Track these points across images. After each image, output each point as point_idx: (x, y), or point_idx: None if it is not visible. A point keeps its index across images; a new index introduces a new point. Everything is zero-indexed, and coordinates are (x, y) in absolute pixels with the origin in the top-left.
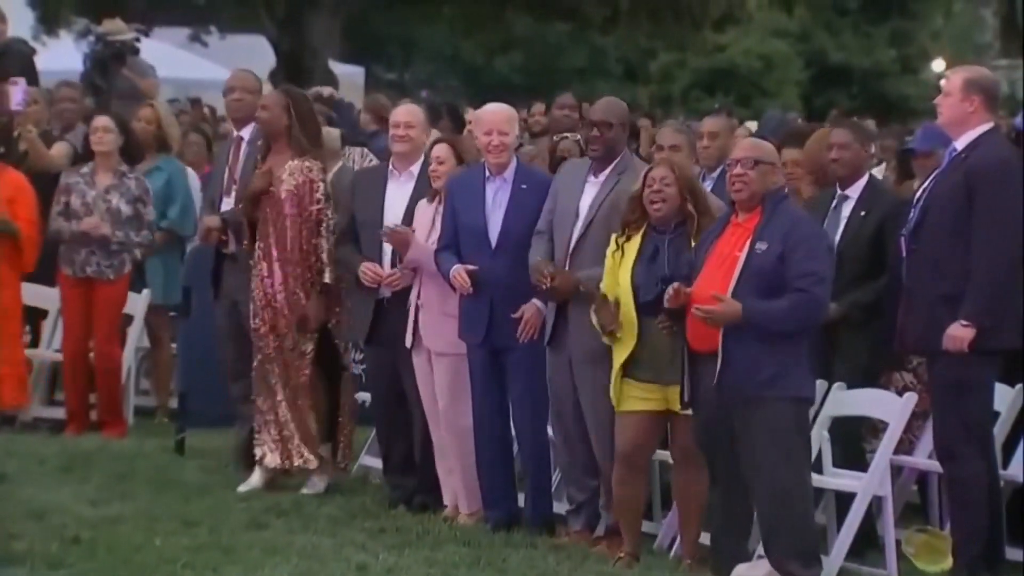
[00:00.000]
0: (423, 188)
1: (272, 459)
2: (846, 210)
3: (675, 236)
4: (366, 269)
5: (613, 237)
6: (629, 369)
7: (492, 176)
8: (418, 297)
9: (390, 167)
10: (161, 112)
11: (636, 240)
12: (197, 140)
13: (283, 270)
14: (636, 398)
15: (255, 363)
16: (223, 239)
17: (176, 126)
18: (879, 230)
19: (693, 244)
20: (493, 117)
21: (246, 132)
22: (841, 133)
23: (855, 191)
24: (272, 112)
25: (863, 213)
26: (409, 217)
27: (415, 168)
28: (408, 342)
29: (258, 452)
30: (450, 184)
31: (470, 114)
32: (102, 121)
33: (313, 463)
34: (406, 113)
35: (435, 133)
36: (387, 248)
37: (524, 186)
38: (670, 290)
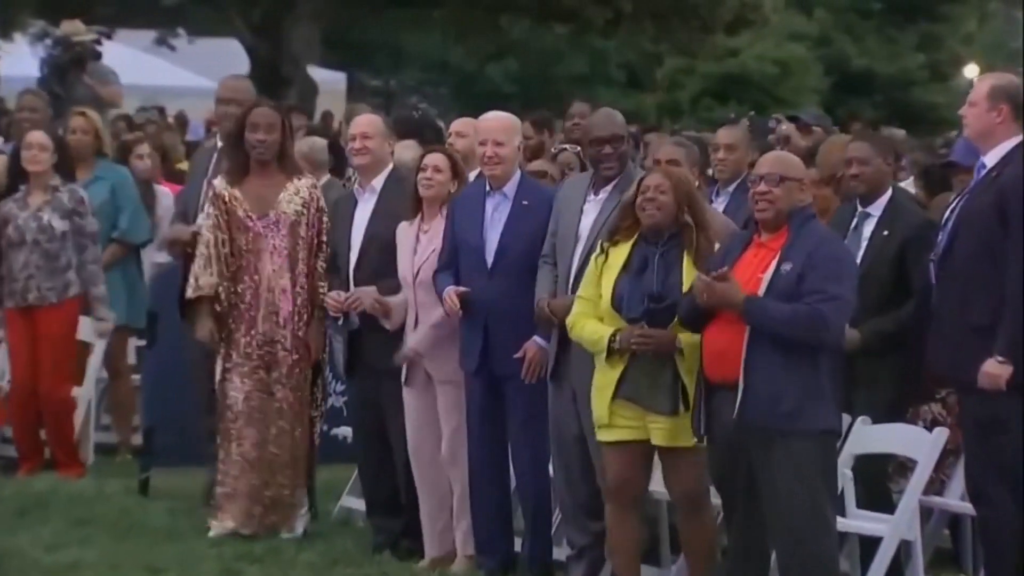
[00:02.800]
0: (386, 204)
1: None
2: (867, 229)
3: (667, 249)
4: (328, 300)
5: (599, 242)
6: (615, 387)
7: (492, 191)
8: (415, 325)
9: (356, 187)
10: (96, 120)
11: (624, 249)
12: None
13: (292, 298)
14: (618, 427)
15: (228, 411)
16: (188, 251)
17: (106, 130)
18: (902, 250)
19: (686, 259)
20: (489, 126)
21: None
22: (860, 147)
23: (877, 208)
24: (275, 135)
25: (886, 232)
26: (369, 239)
27: (377, 182)
28: (405, 376)
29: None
30: (454, 200)
31: (455, 124)
32: (37, 138)
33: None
34: (364, 123)
35: (413, 146)
36: (352, 272)
37: (526, 202)
38: (700, 282)
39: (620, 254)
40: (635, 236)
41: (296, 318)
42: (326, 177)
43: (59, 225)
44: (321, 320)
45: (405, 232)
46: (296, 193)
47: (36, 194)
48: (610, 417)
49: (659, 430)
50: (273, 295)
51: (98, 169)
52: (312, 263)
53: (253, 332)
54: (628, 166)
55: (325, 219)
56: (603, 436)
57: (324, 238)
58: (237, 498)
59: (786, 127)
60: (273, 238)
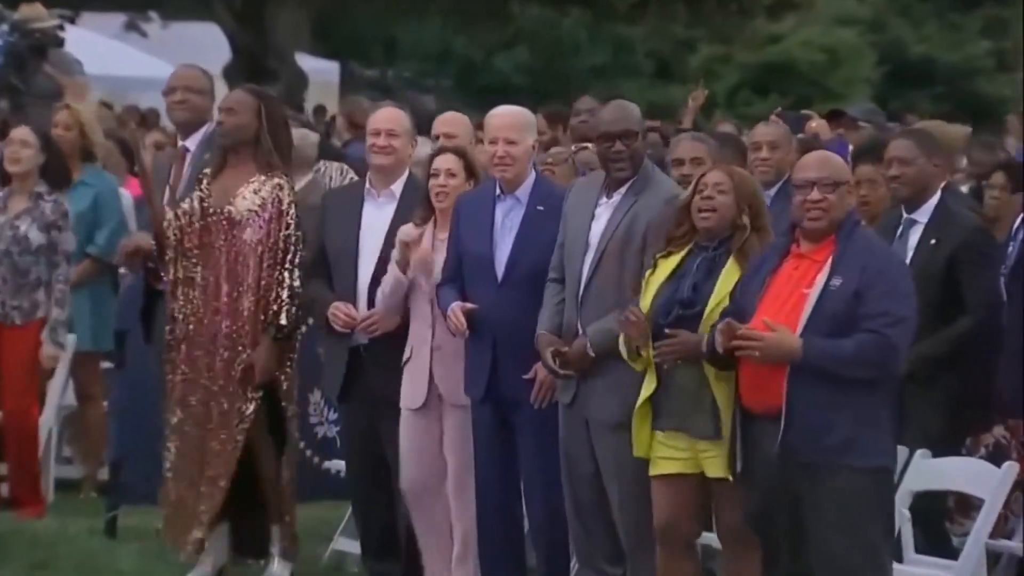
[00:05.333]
0: (406, 211)
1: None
2: (914, 238)
3: (717, 254)
4: (336, 310)
5: (654, 255)
6: (654, 418)
7: (503, 195)
8: (432, 338)
9: (367, 186)
10: (82, 114)
11: (676, 259)
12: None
13: (233, 309)
14: (666, 458)
15: (170, 425)
16: (149, 266)
17: (99, 131)
18: (952, 260)
19: (730, 263)
20: (499, 122)
21: (192, 142)
22: (902, 144)
23: (924, 214)
24: (240, 117)
25: (933, 240)
26: (390, 248)
27: (397, 187)
28: (418, 400)
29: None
30: (458, 204)
31: (440, 124)
32: (21, 133)
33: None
34: (388, 119)
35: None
36: (362, 286)
37: (541, 208)
38: (719, 329)
39: (670, 265)
40: (691, 244)
41: (236, 333)
42: (308, 176)
43: (36, 238)
44: (273, 341)
45: (409, 235)
46: (256, 191)
47: (17, 199)
48: (656, 448)
49: (712, 459)
50: (218, 301)
51: (84, 174)
52: (266, 272)
53: (197, 338)
54: (645, 165)
55: (291, 226)
56: (654, 469)
57: (287, 246)
58: (174, 516)
59: (816, 123)
60: (220, 238)
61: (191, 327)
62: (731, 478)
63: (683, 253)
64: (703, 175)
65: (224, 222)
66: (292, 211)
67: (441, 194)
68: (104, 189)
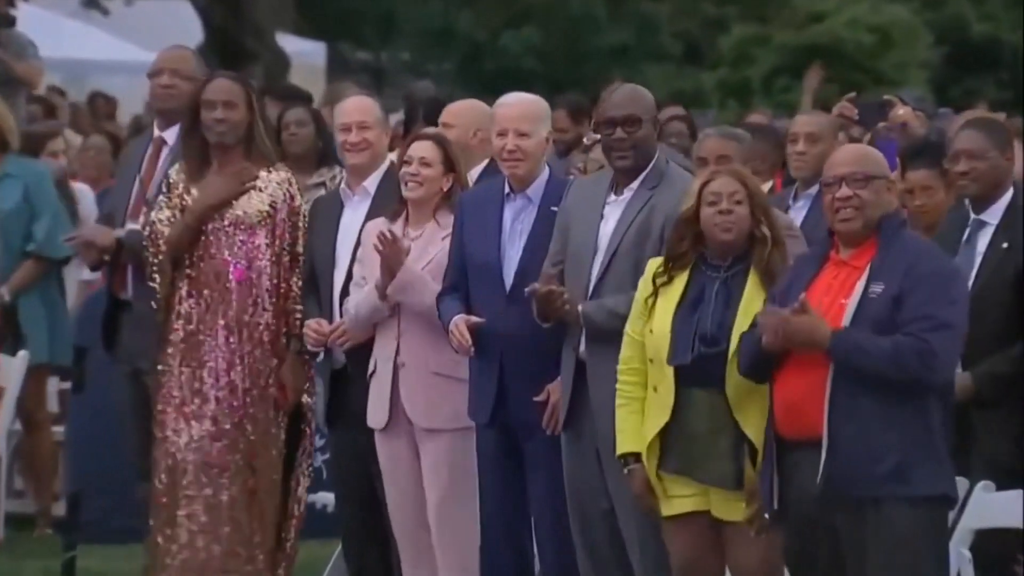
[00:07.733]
0: (381, 209)
1: None
2: (982, 241)
3: (732, 275)
4: (308, 328)
5: (649, 275)
6: (661, 456)
7: (513, 194)
8: (397, 353)
9: (343, 187)
10: None
11: (680, 281)
12: (97, 145)
13: (246, 327)
14: (675, 496)
15: (165, 458)
16: (104, 261)
17: (10, 117)
18: None
19: (750, 284)
20: (509, 112)
21: (171, 133)
22: (971, 136)
23: (994, 215)
24: (239, 111)
25: (1005, 244)
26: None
27: (371, 183)
28: (381, 421)
29: None
30: (462, 202)
31: (445, 113)
32: None
33: None
34: (359, 110)
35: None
36: (336, 295)
37: (555, 208)
38: (770, 319)
39: (675, 290)
40: (692, 263)
41: (257, 350)
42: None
43: None
44: (299, 354)
45: (377, 231)
46: (263, 189)
47: None
48: (666, 487)
49: (721, 501)
50: (227, 318)
51: (7, 165)
52: (283, 280)
53: (203, 362)
54: (659, 159)
55: (302, 224)
56: (665, 509)
57: (300, 249)
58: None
59: (903, 111)
60: (227, 246)
61: (189, 351)
62: (766, 516)
63: (686, 274)
64: (707, 182)
65: (231, 228)
66: (304, 209)
67: (412, 182)
68: (33, 178)
